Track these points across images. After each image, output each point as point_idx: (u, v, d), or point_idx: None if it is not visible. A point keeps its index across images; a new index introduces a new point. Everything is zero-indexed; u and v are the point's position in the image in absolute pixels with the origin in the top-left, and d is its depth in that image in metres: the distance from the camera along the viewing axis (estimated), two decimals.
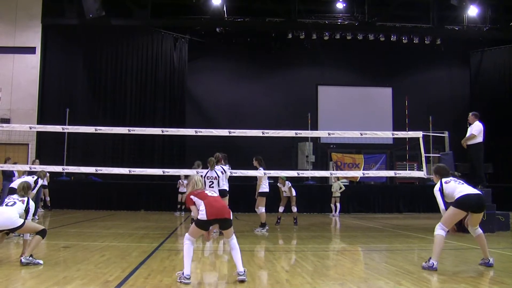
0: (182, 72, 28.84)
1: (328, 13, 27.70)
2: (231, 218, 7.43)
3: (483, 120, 14.89)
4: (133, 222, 16.13)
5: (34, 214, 17.08)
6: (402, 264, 8.69)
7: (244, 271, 7.05)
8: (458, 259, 9.50)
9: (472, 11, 25.66)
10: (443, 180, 8.45)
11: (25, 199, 8.70)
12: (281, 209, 16.97)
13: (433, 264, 8.03)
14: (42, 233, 8.44)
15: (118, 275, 7.33)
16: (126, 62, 27.35)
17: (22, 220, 8.31)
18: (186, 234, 7.24)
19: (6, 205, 8.50)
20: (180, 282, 6.85)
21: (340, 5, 26.85)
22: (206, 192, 7.49)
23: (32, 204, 8.79)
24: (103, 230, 14.29)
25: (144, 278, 7.13)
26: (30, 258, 8.07)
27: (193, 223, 7.35)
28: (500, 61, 30.15)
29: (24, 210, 8.56)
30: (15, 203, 8.51)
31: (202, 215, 7.13)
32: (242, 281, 6.95)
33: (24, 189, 8.84)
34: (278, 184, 17.23)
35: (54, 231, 14.42)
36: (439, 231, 8.16)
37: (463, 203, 8.05)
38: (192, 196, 7.43)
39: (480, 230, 8.45)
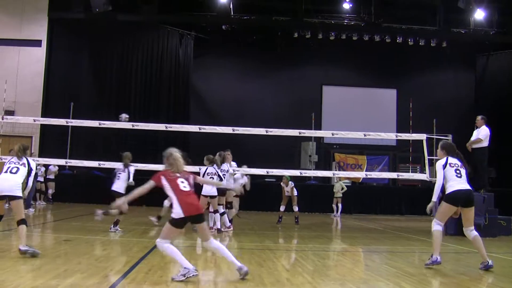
0: (187, 69, 28.85)
1: (335, 13, 27.66)
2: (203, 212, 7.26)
3: (487, 124, 14.86)
4: (135, 217, 16.13)
5: (28, 206, 17.26)
6: (403, 266, 8.69)
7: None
8: (459, 263, 9.50)
9: (479, 14, 25.60)
10: (449, 160, 8.71)
11: (25, 161, 8.76)
12: (282, 208, 16.94)
13: (437, 258, 8.30)
14: (23, 222, 8.47)
15: (119, 269, 7.35)
16: (132, 57, 27.36)
17: (21, 194, 8.44)
18: (158, 239, 7.00)
19: (11, 171, 8.53)
20: (186, 278, 6.72)
21: (346, 6, 26.80)
22: (178, 182, 7.07)
23: (32, 164, 8.89)
24: (104, 224, 14.29)
25: (145, 273, 7.13)
26: (27, 247, 8.15)
27: (167, 224, 7.10)
28: (506, 65, 30.04)
29: (27, 172, 8.69)
30: (18, 169, 8.58)
31: (178, 213, 6.91)
32: (246, 275, 6.92)
33: (21, 151, 8.84)
34: (281, 183, 17.19)
35: (56, 224, 14.46)
36: (436, 226, 8.53)
37: (453, 198, 8.41)
38: (162, 179, 7.08)
39: (475, 232, 8.54)
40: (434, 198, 8.56)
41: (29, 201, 18.16)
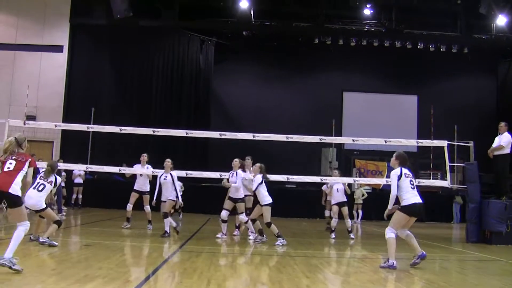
0: (207, 75, 28.92)
1: (355, 19, 27.54)
2: (13, 193, 7.17)
3: (509, 130, 14.69)
4: (155, 223, 16.13)
5: (59, 212, 17.47)
6: (423, 274, 8.62)
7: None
8: (480, 271, 9.41)
9: (501, 20, 25.30)
10: (404, 171, 9.20)
11: (52, 179, 9.93)
12: (327, 213, 16.76)
13: (393, 263, 8.74)
14: (58, 222, 10.04)
15: (139, 275, 7.36)
16: (153, 63, 27.50)
17: (45, 205, 9.76)
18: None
19: (38, 189, 9.68)
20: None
21: (367, 11, 26.63)
22: (6, 163, 7.35)
23: (58, 179, 10.18)
24: (124, 230, 14.39)
25: (164, 279, 7.14)
26: (47, 240, 9.71)
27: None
28: None
29: (54, 186, 10.06)
30: (45, 186, 9.71)
31: None
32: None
33: (49, 172, 9.95)
34: (322, 188, 17.02)
35: (77, 229, 14.53)
36: (390, 234, 8.99)
37: (411, 210, 9.00)
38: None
39: (407, 231, 9.29)
40: (390, 206, 9.08)
41: (60, 206, 18.33)
